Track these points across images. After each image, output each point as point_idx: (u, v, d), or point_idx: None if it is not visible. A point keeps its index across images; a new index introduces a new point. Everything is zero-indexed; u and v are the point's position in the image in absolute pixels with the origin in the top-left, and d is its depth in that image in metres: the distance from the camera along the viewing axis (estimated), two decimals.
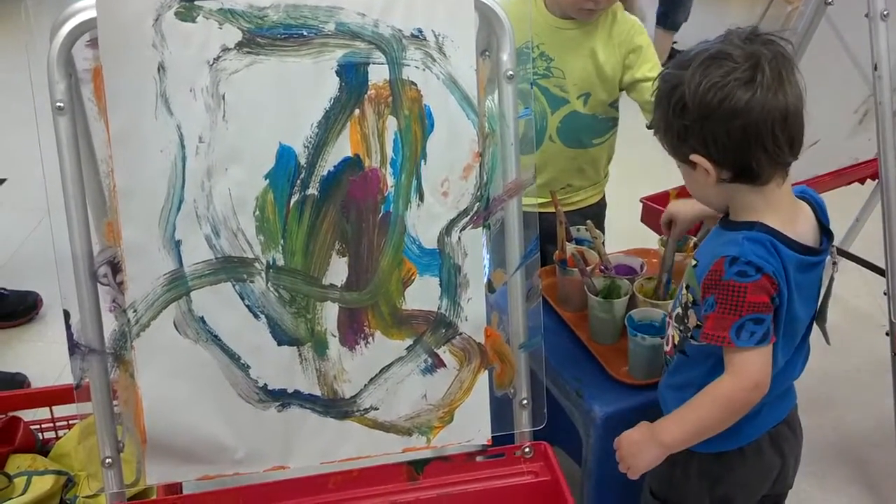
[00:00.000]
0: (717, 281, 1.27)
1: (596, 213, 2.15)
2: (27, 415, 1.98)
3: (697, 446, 1.38)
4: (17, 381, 2.40)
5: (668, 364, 1.48)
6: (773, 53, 1.24)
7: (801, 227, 1.33)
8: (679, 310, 1.40)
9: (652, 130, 1.35)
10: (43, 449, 1.93)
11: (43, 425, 1.98)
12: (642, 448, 1.36)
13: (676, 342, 1.42)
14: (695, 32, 5.36)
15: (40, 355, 2.54)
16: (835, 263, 1.37)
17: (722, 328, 1.26)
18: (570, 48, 1.93)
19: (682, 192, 2.50)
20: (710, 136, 1.24)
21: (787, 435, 1.47)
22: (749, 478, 1.46)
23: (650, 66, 1.93)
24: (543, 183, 1.99)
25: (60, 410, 1.96)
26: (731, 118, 1.22)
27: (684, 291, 1.38)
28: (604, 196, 2.21)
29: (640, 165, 3.47)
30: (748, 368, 1.27)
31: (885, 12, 1.76)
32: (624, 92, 2.02)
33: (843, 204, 2.56)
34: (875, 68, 1.80)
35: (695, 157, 1.28)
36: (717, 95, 1.22)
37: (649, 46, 1.95)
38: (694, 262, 1.36)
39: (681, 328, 1.40)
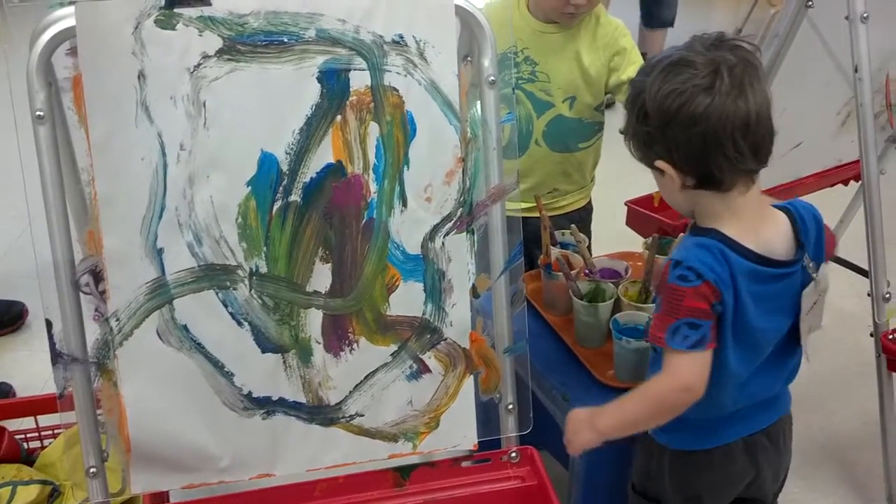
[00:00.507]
0: (663, 283, 1.30)
1: (582, 218, 2.15)
2: (12, 424, 1.96)
3: (670, 442, 1.42)
4: (2, 390, 2.38)
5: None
6: (737, 59, 1.23)
7: (767, 237, 1.31)
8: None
9: (623, 136, 1.35)
10: (28, 459, 1.92)
11: (28, 435, 1.97)
12: (581, 428, 1.39)
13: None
14: (684, 36, 5.37)
15: (25, 365, 2.53)
16: (813, 278, 1.34)
17: (659, 329, 1.29)
18: (554, 52, 1.94)
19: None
20: (671, 143, 1.25)
21: (765, 445, 1.46)
22: (717, 480, 1.46)
23: (635, 68, 1.93)
24: (530, 187, 1.99)
25: (45, 420, 1.95)
26: (691, 125, 1.22)
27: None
28: (590, 200, 2.21)
29: (624, 169, 3.48)
30: (680, 371, 1.28)
31: (865, 14, 1.77)
32: (609, 95, 2.03)
33: (827, 206, 2.57)
34: (856, 70, 1.81)
35: (659, 164, 1.28)
36: (675, 101, 1.22)
37: (634, 48, 1.96)
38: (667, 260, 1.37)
39: None
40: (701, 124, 1.21)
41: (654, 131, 1.26)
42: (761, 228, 1.31)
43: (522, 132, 1.98)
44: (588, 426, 1.38)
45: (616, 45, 1.94)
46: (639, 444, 1.53)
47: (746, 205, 1.30)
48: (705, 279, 1.25)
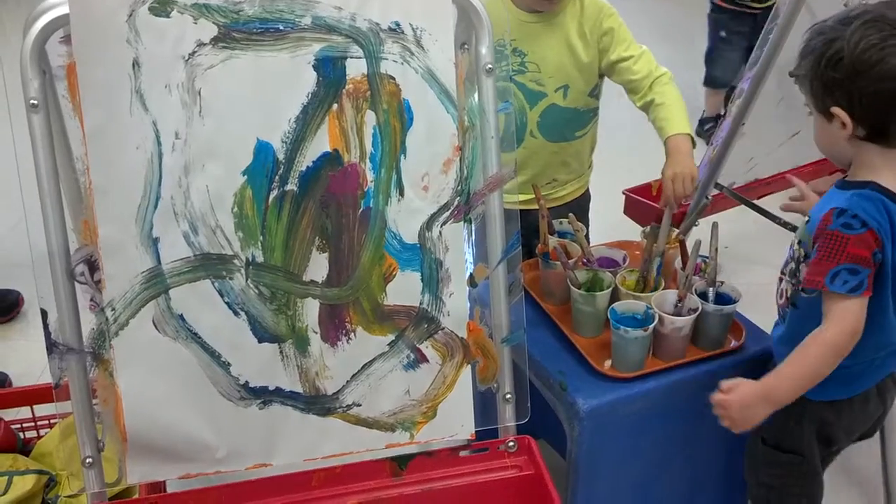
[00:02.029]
0: (823, 230, 1.38)
1: (581, 206, 2.15)
2: (8, 414, 1.96)
3: (813, 395, 1.47)
4: None
5: (780, 317, 1.58)
6: None
7: None
8: (792, 264, 1.51)
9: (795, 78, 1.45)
10: (24, 448, 1.92)
11: (24, 425, 1.97)
12: (756, 409, 1.44)
13: (789, 295, 1.52)
14: (683, 35, 5.37)
15: (22, 354, 2.53)
16: None
17: (818, 273, 1.37)
18: (542, 41, 1.93)
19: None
20: (858, 93, 1.34)
21: (891, 386, 1.59)
22: (854, 423, 1.59)
23: (625, 46, 1.93)
24: (528, 179, 1.98)
25: (42, 410, 1.95)
26: (882, 80, 1.31)
27: (796, 247, 1.48)
28: (588, 188, 2.20)
29: (621, 158, 3.48)
30: (847, 315, 1.37)
31: (864, 0, 1.76)
32: (603, 80, 2.01)
33: None
34: None
35: (836, 110, 1.37)
36: (874, 56, 1.31)
37: (621, 26, 1.94)
38: (806, 219, 1.46)
39: (793, 282, 1.50)
40: (893, 81, 1.31)
41: (844, 79, 1.34)
42: None
43: (517, 124, 1.97)
44: (763, 404, 1.43)
45: (602, 26, 1.93)
46: None
47: None
48: (869, 227, 1.35)
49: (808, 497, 1.65)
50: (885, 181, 1.38)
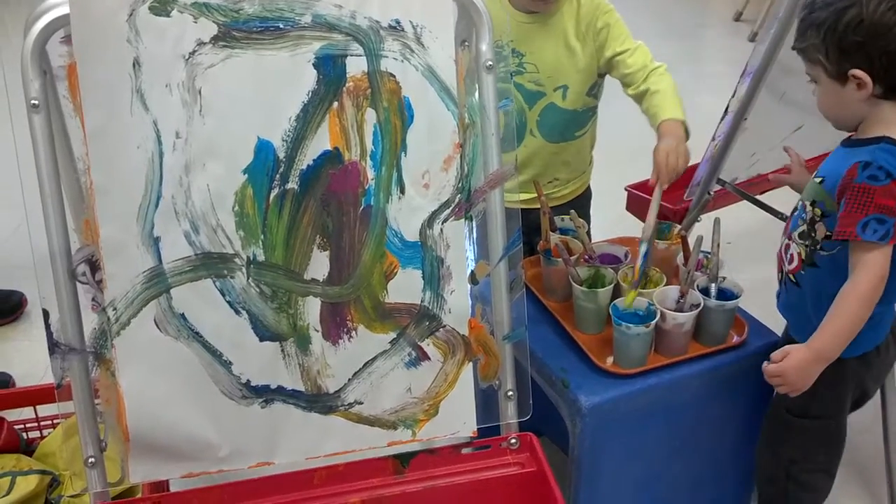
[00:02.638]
0: (849, 183, 1.44)
1: (582, 204, 2.14)
2: (11, 414, 1.96)
3: (845, 353, 1.52)
4: (2, 380, 2.38)
5: (790, 283, 1.62)
6: None
7: None
8: (803, 227, 1.56)
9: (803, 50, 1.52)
10: (27, 449, 1.92)
11: (27, 425, 1.97)
12: (811, 370, 1.51)
13: (804, 257, 1.57)
14: (683, 29, 5.36)
15: (25, 354, 2.53)
16: None
17: (849, 224, 1.43)
18: (539, 41, 1.92)
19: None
20: (877, 53, 1.42)
21: None
22: (881, 370, 1.69)
23: (621, 41, 1.92)
24: (530, 179, 1.97)
25: (45, 410, 1.95)
26: None
27: (809, 208, 1.54)
28: (589, 185, 2.20)
29: (623, 154, 3.47)
30: (876, 263, 1.44)
31: None
32: (603, 79, 2.01)
33: None
34: None
35: (856, 72, 1.44)
36: (893, 18, 1.39)
37: (618, 22, 1.94)
38: (819, 179, 1.52)
39: (807, 243, 1.55)
40: None
41: (865, 40, 1.41)
42: None
43: (516, 124, 1.97)
44: (816, 363, 1.50)
45: (599, 23, 1.92)
46: None
47: None
48: (894, 178, 1.41)
49: (830, 463, 1.71)
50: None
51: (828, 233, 1.51)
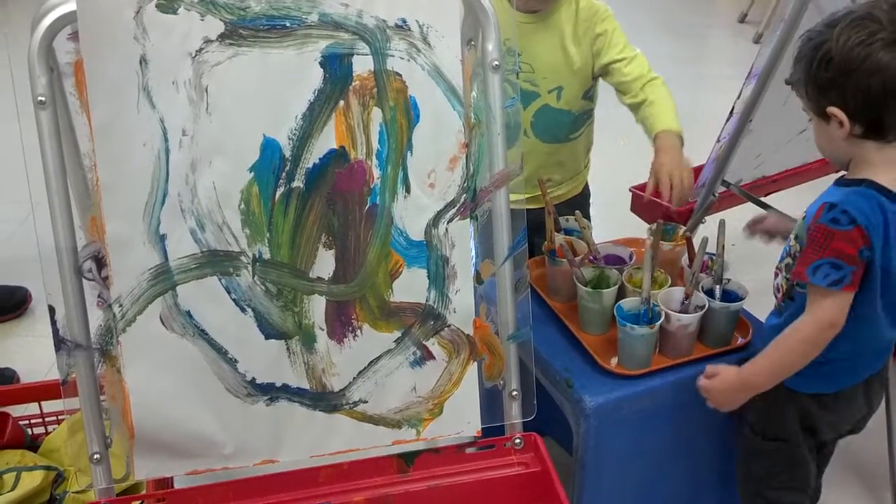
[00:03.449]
0: (813, 223, 1.41)
1: (580, 204, 2.14)
2: (16, 410, 1.97)
3: (797, 386, 1.53)
4: (6, 376, 2.39)
5: (777, 309, 1.60)
6: None
7: None
8: (788, 259, 1.53)
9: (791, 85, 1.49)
10: (32, 444, 1.92)
11: (32, 421, 1.98)
12: (735, 395, 1.54)
13: (785, 289, 1.55)
14: (685, 30, 5.35)
15: (29, 350, 2.53)
16: None
17: (802, 264, 1.40)
18: (536, 41, 1.92)
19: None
20: (850, 91, 1.37)
21: (877, 386, 1.61)
22: (839, 419, 1.62)
23: (619, 49, 1.92)
24: (523, 179, 1.97)
25: (49, 406, 1.95)
26: (872, 75, 1.34)
27: (793, 242, 1.51)
28: (586, 184, 2.20)
29: (627, 155, 3.47)
30: (823, 309, 1.41)
31: None
32: (597, 82, 2.01)
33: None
34: None
35: (832, 110, 1.40)
36: (862, 52, 1.34)
37: (616, 30, 1.94)
38: (802, 215, 1.48)
39: (787, 276, 1.53)
40: (882, 75, 1.34)
41: (837, 77, 1.37)
42: None
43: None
44: (742, 390, 1.52)
45: (596, 29, 1.93)
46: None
47: None
48: (858, 224, 1.37)
49: (796, 486, 1.66)
50: (882, 178, 1.40)
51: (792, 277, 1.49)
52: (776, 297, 1.60)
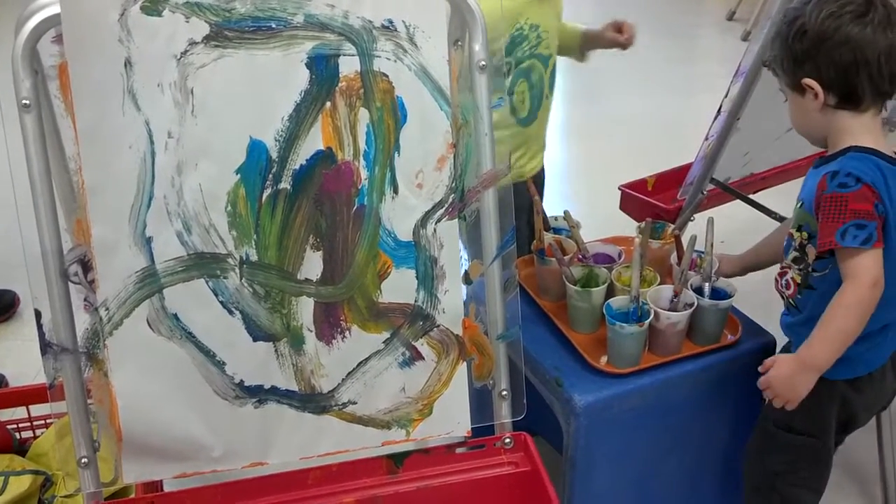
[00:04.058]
0: (821, 196, 1.42)
1: (543, 181, 2.20)
2: (4, 414, 1.96)
3: (833, 374, 1.50)
4: None
5: (791, 307, 1.59)
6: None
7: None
8: (795, 253, 1.53)
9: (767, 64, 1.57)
10: (20, 449, 1.91)
11: (20, 425, 1.97)
12: (797, 379, 1.48)
13: (800, 281, 1.54)
14: (680, 28, 5.36)
15: (17, 354, 2.52)
16: None
17: (828, 234, 1.40)
18: (544, 9, 2.00)
19: (659, 180, 2.53)
20: (823, 61, 1.42)
21: None
22: (873, 399, 1.63)
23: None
24: (541, 146, 2.10)
25: (38, 410, 1.95)
26: (843, 44, 1.40)
27: (796, 234, 1.52)
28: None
29: (616, 153, 3.48)
30: (863, 269, 1.40)
31: None
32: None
33: None
34: None
35: (807, 81, 1.44)
36: (833, 23, 1.40)
37: None
38: (799, 203, 1.50)
39: (800, 267, 1.53)
40: (851, 45, 1.39)
41: (810, 49, 1.42)
42: (887, 144, 1.47)
43: (537, 97, 2.03)
44: (805, 373, 1.47)
45: None
46: None
47: (876, 124, 1.47)
48: (864, 182, 1.39)
49: (815, 481, 1.67)
50: (866, 143, 1.44)
51: (818, 253, 1.48)
52: (784, 296, 1.59)
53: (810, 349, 1.46)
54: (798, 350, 1.49)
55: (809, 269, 1.51)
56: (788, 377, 1.48)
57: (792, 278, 1.56)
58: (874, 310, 1.42)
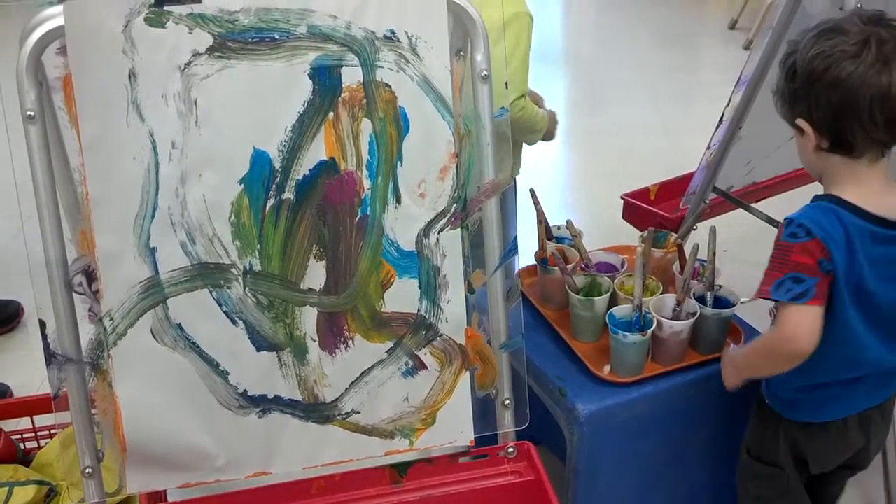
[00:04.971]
0: (776, 241, 1.37)
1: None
2: (8, 425, 1.96)
3: (787, 413, 1.51)
4: None
5: None
6: (889, 36, 1.29)
7: (891, 205, 1.36)
8: None
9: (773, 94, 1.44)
10: (25, 459, 1.91)
11: (24, 435, 1.97)
12: (727, 369, 1.57)
13: (774, 312, 1.47)
14: (682, 37, 5.38)
15: (22, 364, 2.52)
16: None
17: (766, 283, 1.36)
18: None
19: (661, 189, 2.53)
20: (813, 102, 1.32)
21: (877, 420, 1.53)
22: (828, 450, 1.54)
23: None
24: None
25: (42, 420, 1.94)
26: (833, 87, 1.30)
27: None
28: None
29: (619, 163, 3.49)
30: (784, 322, 1.35)
31: (858, 4, 1.76)
32: None
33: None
34: None
35: (800, 122, 1.36)
36: (822, 63, 1.30)
37: None
38: None
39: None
40: (841, 88, 1.29)
41: (800, 89, 1.34)
42: (887, 197, 1.37)
43: None
44: (729, 362, 1.57)
45: None
46: (754, 412, 1.60)
47: (872, 173, 1.36)
48: (814, 236, 1.32)
49: None
50: (847, 193, 1.35)
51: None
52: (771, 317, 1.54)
53: (738, 350, 1.57)
54: (738, 349, 1.59)
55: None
56: (723, 365, 1.59)
57: (772, 308, 1.49)
58: (801, 362, 1.37)
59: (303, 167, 1.30)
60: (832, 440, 1.51)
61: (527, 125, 1.91)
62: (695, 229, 2.18)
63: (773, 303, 1.40)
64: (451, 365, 1.43)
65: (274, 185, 1.30)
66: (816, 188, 2.16)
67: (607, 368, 1.66)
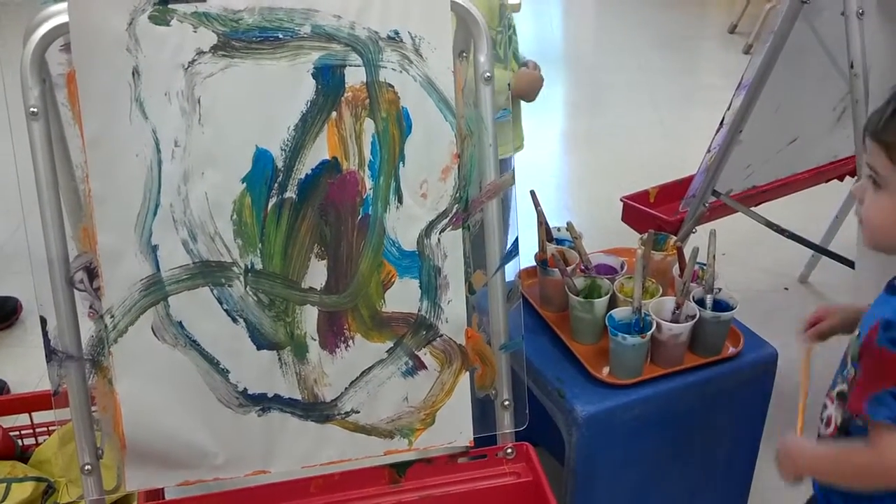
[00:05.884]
0: (867, 345, 1.13)
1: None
2: (6, 421, 1.96)
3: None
4: None
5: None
6: None
7: None
8: (843, 386, 1.24)
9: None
10: (23, 455, 1.91)
11: (22, 432, 1.97)
12: (791, 456, 1.26)
13: (839, 423, 1.25)
14: (682, 41, 5.38)
15: (20, 361, 2.52)
16: None
17: (860, 397, 1.14)
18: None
19: (661, 192, 2.54)
20: None
21: None
22: None
23: None
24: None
25: (40, 416, 1.94)
26: None
27: (849, 367, 1.22)
28: None
29: (619, 165, 3.49)
30: (884, 448, 1.12)
31: (860, 10, 1.77)
32: None
33: (822, 201, 2.58)
34: (851, 66, 1.81)
35: None
36: None
37: None
38: (857, 333, 1.20)
39: (844, 409, 1.24)
40: None
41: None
42: None
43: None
44: (798, 457, 1.25)
45: None
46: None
47: None
48: None
49: None
50: None
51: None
52: (821, 431, 1.30)
53: (814, 449, 1.26)
54: (814, 446, 1.27)
55: (851, 416, 1.22)
56: (787, 456, 1.27)
57: (832, 416, 1.27)
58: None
59: (305, 166, 1.31)
60: None
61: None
62: (694, 232, 2.18)
63: (846, 419, 1.22)
64: (451, 365, 1.43)
65: (276, 184, 1.30)
66: (817, 189, 2.17)
67: (606, 370, 1.67)
